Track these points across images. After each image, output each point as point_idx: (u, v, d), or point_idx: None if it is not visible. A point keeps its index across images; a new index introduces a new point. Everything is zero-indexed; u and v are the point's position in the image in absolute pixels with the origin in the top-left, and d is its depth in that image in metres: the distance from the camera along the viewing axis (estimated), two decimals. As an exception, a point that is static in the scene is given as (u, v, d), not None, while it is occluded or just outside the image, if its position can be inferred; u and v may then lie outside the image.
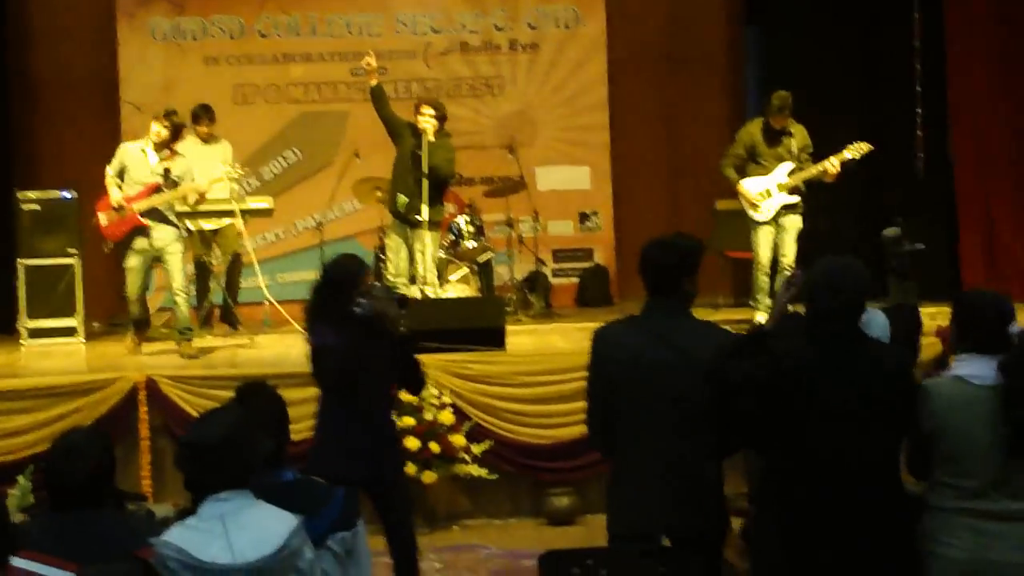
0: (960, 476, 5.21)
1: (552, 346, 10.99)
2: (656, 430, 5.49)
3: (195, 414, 9.38)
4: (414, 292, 11.22)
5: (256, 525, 4.55)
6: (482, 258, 12.93)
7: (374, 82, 11.38)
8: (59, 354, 11.72)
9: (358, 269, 6.97)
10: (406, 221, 11.25)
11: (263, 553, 4.49)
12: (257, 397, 5.35)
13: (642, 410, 5.50)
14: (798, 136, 11.46)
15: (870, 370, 5.22)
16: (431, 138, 11.07)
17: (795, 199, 11.38)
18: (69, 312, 12.39)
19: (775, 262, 11.39)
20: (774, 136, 11.46)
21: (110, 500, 4.78)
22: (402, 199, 11.12)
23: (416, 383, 7.38)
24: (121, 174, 11.04)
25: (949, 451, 5.23)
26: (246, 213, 12.18)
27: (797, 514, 5.20)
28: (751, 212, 11.47)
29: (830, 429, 5.15)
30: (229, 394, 6.66)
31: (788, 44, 14.27)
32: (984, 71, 13.24)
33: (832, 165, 11.14)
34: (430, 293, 11.23)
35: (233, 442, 4.60)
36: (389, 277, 11.30)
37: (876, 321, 5.93)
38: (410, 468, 9.55)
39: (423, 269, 11.22)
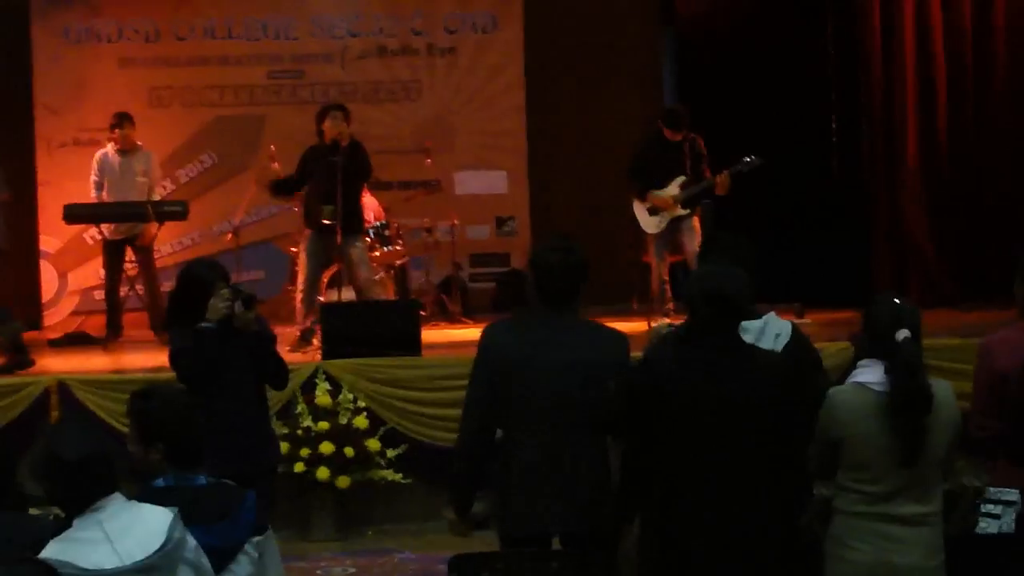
0: (865, 482, 5.24)
1: (467, 350, 10.96)
2: (543, 430, 5.55)
3: (106, 418, 9.33)
4: (331, 297, 11.21)
5: (136, 524, 4.51)
6: (397, 262, 12.90)
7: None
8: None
9: (212, 276, 6.95)
10: (329, 231, 11.01)
11: (150, 550, 4.46)
12: (158, 399, 5.25)
13: (529, 410, 5.56)
14: (694, 147, 11.69)
15: (741, 374, 5.25)
16: (345, 142, 10.97)
17: (686, 211, 11.63)
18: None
19: (683, 264, 11.73)
20: (668, 149, 11.67)
21: (9, 502, 4.73)
22: (329, 208, 10.92)
23: (279, 379, 7.34)
24: None
25: (853, 457, 5.26)
26: (160, 216, 12.12)
27: (673, 520, 5.25)
28: (644, 225, 11.76)
29: (699, 432, 5.18)
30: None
31: (705, 46, 14.37)
32: (895, 76, 13.32)
33: (722, 179, 11.44)
34: (375, 296, 11.18)
35: (102, 452, 4.58)
36: (299, 288, 11.19)
37: (771, 326, 5.94)
38: (324, 472, 9.56)
39: (365, 275, 11.14)
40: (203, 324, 6.78)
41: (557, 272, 5.59)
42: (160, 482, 4.87)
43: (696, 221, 11.74)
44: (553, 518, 5.55)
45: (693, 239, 11.55)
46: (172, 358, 7.00)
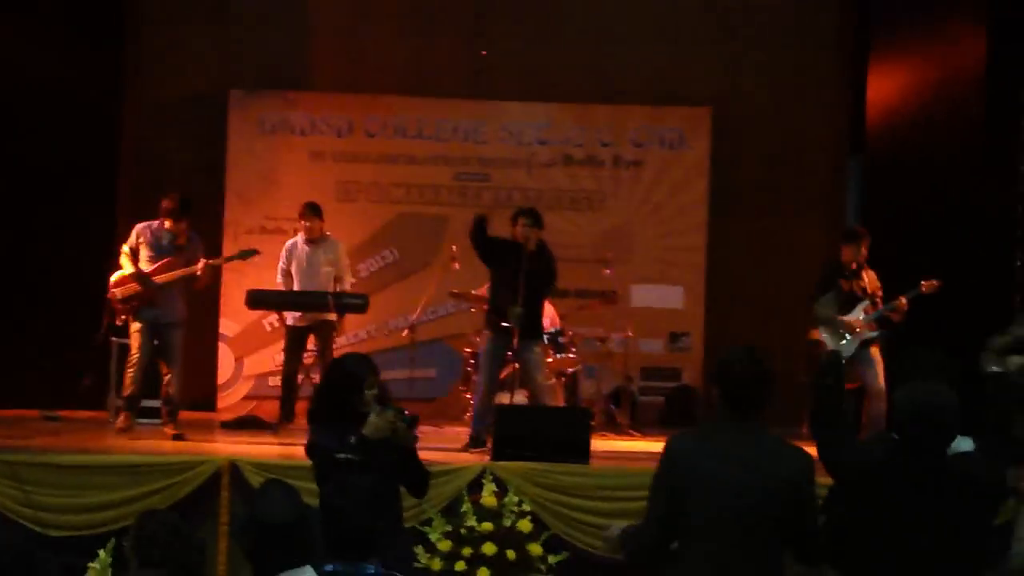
0: None
1: (635, 462, 10.92)
2: (724, 550, 5.40)
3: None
4: (503, 399, 11.22)
5: None
6: (569, 370, 12.91)
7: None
8: (146, 433, 11.77)
9: (363, 371, 6.91)
10: (508, 333, 11.06)
11: None
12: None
13: (710, 528, 5.42)
14: (870, 276, 11.69)
15: (952, 483, 5.21)
16: (532, 247, 11.06)
17: (874, 334, 11.55)
18: (156, 393, 12.45)
19: (862, 391, 11.72)
20: (850, 273, 11.67)
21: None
22: (516, 310, 11.00)
23: (420, 488, 7.28)
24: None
25: None
26: (341, 308, 12.27)
27: None
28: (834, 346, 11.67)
29: (907, 542, 5.18)
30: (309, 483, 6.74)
31: (890, 175, 14.21)
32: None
33: (901, 304, 11.43)
34: (548, 402, 11.20)
35: (304, 520, 4.64)
36: (479, 390, 11.23)
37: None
38: (484, 573, 9.49)
39: (540, 380, 11.19)
40: (346, 453, 6.65)
41: (743, 381, 5.49)
42: (329, 568, 4.91)
43: (876, 349, 11.63)
44: None
45: (874, 365, 11.46)
46: (309, 450, 6.95)
